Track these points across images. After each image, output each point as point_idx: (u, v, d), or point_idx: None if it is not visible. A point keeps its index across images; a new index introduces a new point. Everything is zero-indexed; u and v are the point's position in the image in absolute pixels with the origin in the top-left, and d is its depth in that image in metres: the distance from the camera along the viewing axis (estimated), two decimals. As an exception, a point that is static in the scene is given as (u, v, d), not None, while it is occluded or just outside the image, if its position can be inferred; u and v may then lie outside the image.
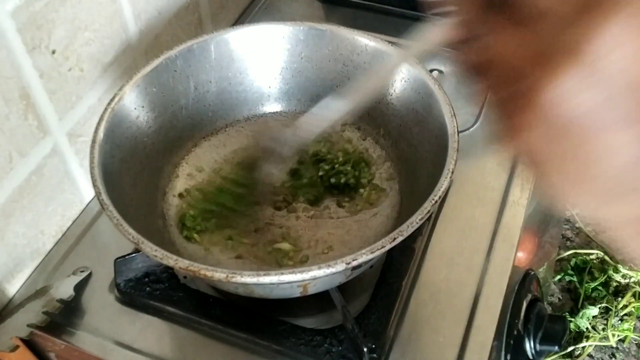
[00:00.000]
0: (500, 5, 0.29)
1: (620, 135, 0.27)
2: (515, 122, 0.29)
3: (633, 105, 0.26)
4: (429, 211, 0.50)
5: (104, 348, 0.59)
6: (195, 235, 0.62)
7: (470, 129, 0.77)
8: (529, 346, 0.65)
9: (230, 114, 0.72)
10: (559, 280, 1.38)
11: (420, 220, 0.50)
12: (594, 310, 1.29)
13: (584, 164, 0.29)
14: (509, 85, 0.30)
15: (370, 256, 0.48)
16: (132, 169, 0.61)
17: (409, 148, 0.65)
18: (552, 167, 0.30)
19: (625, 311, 1.30)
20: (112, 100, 0.60)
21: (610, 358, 1.27)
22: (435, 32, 0.34)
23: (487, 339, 0.59)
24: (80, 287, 0.63)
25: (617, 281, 1.35)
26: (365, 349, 0.55)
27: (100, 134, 0.57)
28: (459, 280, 0.63)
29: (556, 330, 0.67)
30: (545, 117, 0.27)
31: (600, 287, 1.34)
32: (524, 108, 0.28)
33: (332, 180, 0.65)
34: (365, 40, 0.67)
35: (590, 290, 1.34)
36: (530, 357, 0.66)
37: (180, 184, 0.67)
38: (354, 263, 0.47)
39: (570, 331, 1.27)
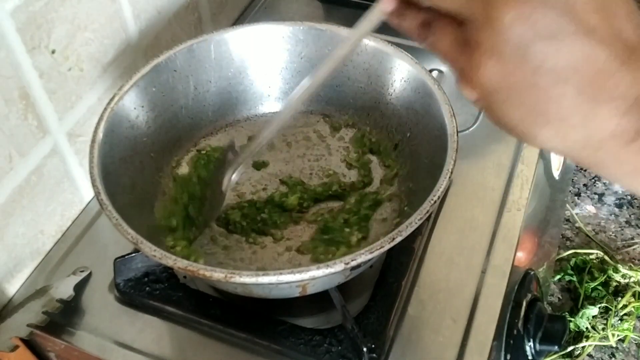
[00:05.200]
0: None
1: (575, 51, 0.29)
2: (470, 62, 0.31)
3: (582, 19, 0.29)
4: (428, 211, 0.50)
5: (103, 348, 0.59)
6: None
7: (470, 129, 0.77)
8: (528, 346, 0.65)
9: (230, 114, 0.72)
10: (559, 280, 1.38)
11: (419, 220, 0.50)
12: (593, 310, 1.29)
13: (541, 92, 0.30)
14: (455, 30, 0.33)
15: (370, 256, 0.48)
16: (131, 169, 0.61)
17: (409, 148, 0.65)
18: (512, 101, 0.31)
19: (625, 311, 1.30)
20: (111, 100, 0.60)
21: (610, 358, 1.27)
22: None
23: (487, 339, 0.59)
24: (80, 287, 0.63)
25: (617, 281, 1.34)
26: (364, 349, 0.55)
27: (100, 134, 0.57)
28: (459, 280, 0.63)
29: (556, 330, 0.67)
30: (499, 48, 0.30)
31: (600, 287, 1.34)
32: (477, 45, 0.31)
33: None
34: (365, 40, 0.67)
35: (590, 290, 1.34)
36: (530, 357, 0.66)
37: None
38: (353, 263, 0.47)
39: (570, 331, 1.27)
